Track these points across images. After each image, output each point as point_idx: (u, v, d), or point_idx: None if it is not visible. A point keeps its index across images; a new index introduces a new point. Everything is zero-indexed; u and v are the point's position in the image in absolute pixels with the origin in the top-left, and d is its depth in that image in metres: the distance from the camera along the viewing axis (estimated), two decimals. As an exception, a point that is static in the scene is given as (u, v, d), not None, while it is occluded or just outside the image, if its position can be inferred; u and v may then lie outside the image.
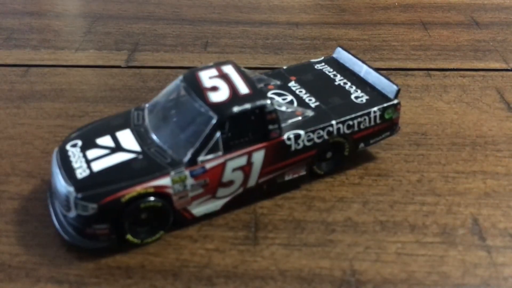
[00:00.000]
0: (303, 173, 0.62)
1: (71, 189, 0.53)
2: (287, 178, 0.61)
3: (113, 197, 0.52)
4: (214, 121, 0.55)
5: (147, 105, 0.63)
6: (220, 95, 0.57)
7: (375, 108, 0.63)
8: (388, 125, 0.65)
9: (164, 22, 1.04)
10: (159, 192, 0.54)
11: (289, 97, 0.65)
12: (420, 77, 0.86)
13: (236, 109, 0.56)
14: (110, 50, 0.93)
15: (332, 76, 0.69)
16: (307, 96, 0.65)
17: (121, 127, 0.60)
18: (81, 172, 0.54)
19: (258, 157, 0.58)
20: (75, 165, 0.55)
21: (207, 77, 0.60)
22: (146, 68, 0.88)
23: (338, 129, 0.61)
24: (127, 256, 0.55)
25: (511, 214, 0.60)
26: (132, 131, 0.59)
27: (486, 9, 1.09)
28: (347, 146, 0.63)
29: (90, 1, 1.13)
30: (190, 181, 0.55)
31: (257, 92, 0.58)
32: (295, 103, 0.64)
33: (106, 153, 0.56)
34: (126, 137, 0.58)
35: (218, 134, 0.55)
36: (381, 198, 0.62)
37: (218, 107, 0.56)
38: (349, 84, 0.67)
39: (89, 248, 0.54)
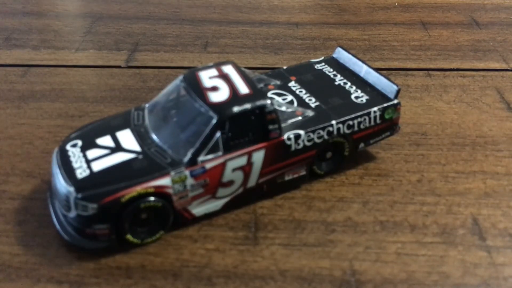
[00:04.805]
0: (303, 173, 0.62)
1: (71, 189, 0.53)
2: (287, 178, 0.61)
3: (113, 197, 0.52)
4: (214, 121, 0.55)
5: (147, 105, 0.63)
6: (220, 95, 0.57)
7: (375, 108, 0.63)
8: (388, 125, 0.65)
9: (164, 22, 1.04)
10: (159, 192, 0.54)
11: (289, 97, 0.65)
12: (420, 77, 0.86)
13: (236, 109, 0.56)
14: (110, 50, 0.93)
15: (332, 76, 0.69)
16: (307, 96, 0.65)
17: (121, 127, 0.60)
18: (81, 172, 0.54)
19: (258, 157, 0.58)
20: (75, 165, 0.55)
21: (207, 77, 0.60)
22: (146, 68, 0.88)
23: (338, 129, 0.61)
24: (127, 256, 0.55)
25: (511, 214, 0.60)
26: (132, 131, 0.59)
27: (486, 9, 1.09)
28: (347, 146, 0.63)
29: (90, 1, 1.13)
30: (190, 181, 0.55)
31: (257, 92, 0.58)
32: (295, 103, 0.64)
33: (106, 153, 0.56)
34: (126, 137, 0.58)
35: (218, 134, 0.55)
36: (381, 198, 0.62)
37: (218, 107, 0.56)
38: (349, 84, 0.67)
39: (89, 248, 0.54)
